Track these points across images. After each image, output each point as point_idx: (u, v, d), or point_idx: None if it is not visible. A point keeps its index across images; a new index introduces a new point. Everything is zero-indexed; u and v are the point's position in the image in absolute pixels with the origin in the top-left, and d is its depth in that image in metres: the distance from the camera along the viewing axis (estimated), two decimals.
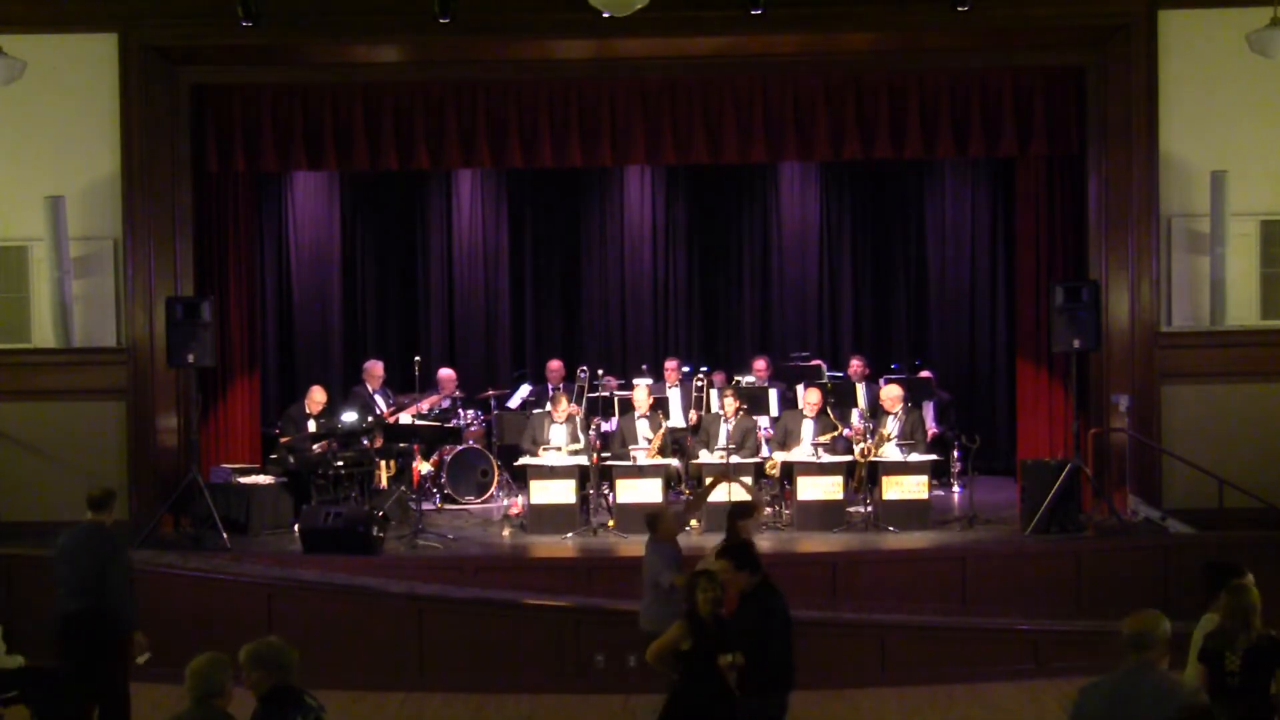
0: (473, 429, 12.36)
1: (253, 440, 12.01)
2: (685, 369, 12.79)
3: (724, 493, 10.41)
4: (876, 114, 11.27)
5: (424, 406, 12.05)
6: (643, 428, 11.11)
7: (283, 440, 11.58)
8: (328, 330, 14.36)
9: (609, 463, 10.92)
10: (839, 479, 10.64)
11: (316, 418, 11.60)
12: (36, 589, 9.52)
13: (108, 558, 7.23)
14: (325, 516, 9.91)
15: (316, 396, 11.73)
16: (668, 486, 10.96)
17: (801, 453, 10.96)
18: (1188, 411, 10.91)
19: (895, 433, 10.94)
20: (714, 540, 10.23)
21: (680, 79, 11.32)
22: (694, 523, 10.80)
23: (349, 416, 11.51)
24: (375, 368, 12.34)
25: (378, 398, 12.10)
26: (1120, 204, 10.96)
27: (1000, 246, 14.20)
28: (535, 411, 11.81)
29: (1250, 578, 5.96)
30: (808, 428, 11.14)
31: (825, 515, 10.56)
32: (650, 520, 7.85)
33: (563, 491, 10.62)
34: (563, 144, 11.37)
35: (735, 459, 10.59)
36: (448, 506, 11.89)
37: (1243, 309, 10.89)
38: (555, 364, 12.93)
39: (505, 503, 11.64)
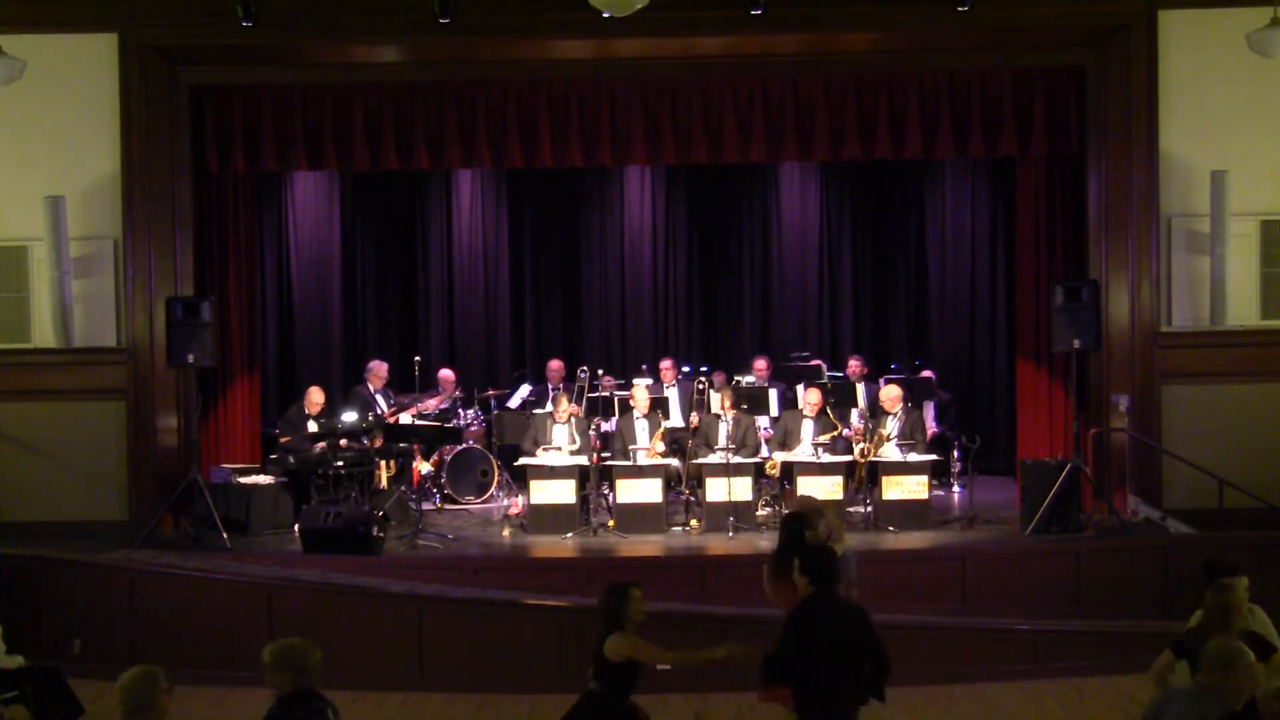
0: (473, 429, 12.36)
1: (253, 440, 12.00)
2: (684, 369, 12.78)
3: (724, 492, 10.46)
4: (876, 114, 11.26)
5: (429, 405, 12.05)
6: (642, 428, 11.12)
7: (283, 440, 11.58)
8: (328, 330, 14.35)
9: (609, 463, 10.92)
10: (839, 479, 10.63)
11: (316, 418, 11.60)
12: (37, 589, 9.58)
13: None
14: (325, 516, 9.90)
15: (315, 398, 11.73)
16: (668, 487, 10.96)
17: (801, 453, 10.96)
18: (1188, 411, 10.90)
19: (895, 433, 10.94)
20: (714, 539, 10.34)
21: (680, 79, 11.32)
22: (694, 523, 10.82)
23: (349, 416, 11.50)
24: (380, 368, 12.34)
25: (379, 398, 12.10)
26: (1120, 204, 10.95)
27: (1000, 246, 14.19)
28: (537, 412, 11.81)
29: (1243, 580, 5.95)
30: (808, 428, 11.14)
31: None
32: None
33: (563, 491, 10.62)
34: (563, 144, 11.36)
35: (735, 459, 10.59)
36: (448, 506, 11.89)
37: (1243, 309, 10.89)
38: (555, 364, 12.93)
39: (505, 503, 11.64)
